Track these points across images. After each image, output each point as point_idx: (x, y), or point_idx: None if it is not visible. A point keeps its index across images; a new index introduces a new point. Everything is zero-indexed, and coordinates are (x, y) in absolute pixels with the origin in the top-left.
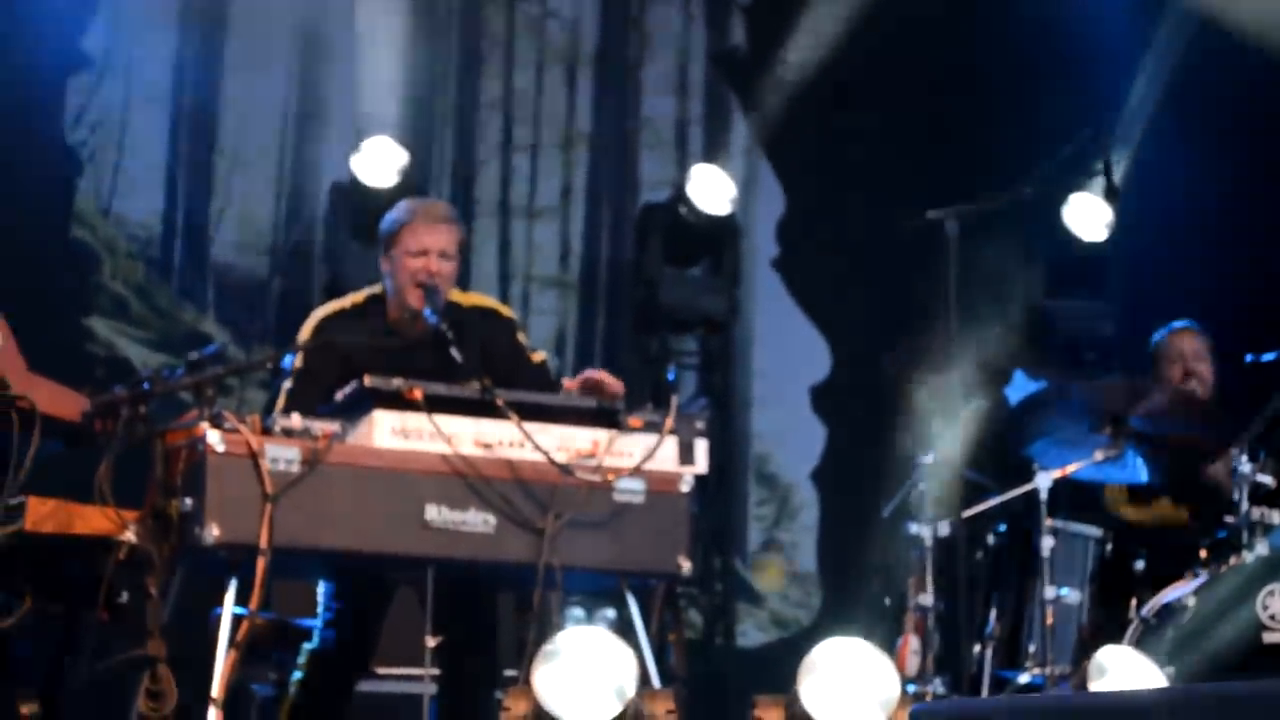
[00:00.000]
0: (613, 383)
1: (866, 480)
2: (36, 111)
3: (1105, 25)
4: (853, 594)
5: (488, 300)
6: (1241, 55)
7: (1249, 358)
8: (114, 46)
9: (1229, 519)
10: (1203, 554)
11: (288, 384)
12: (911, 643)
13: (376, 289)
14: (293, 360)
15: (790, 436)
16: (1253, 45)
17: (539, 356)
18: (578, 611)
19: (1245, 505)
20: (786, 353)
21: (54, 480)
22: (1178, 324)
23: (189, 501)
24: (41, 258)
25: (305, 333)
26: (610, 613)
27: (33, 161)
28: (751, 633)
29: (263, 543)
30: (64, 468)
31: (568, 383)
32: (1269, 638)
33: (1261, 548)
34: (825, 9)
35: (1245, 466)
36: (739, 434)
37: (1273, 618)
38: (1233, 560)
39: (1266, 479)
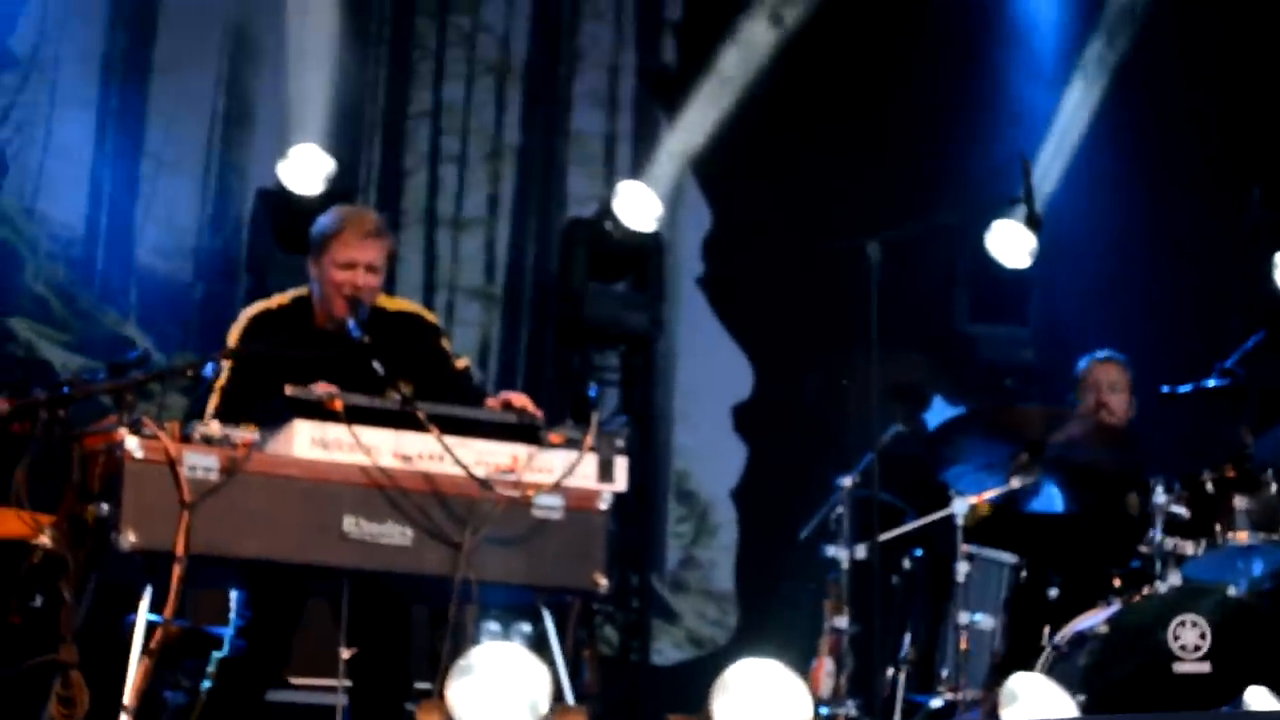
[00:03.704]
0: (532, 409)
1: (786, 501)
2: None
3: (1031, 57)
4: (769, 614)
5: (413, 306)
6: (1163, 88)
7: (1165, 389)
8: (41, 46)
9: (1143, 549)
10: (1116, 583)
11: (220, 385)
12: (826, 665)
13: (304, 290)
14: (214, 368)
15: (711, 455)
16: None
17: (462, 363)
18: (494, 626)
19: (1159, 536)
20: (709, 371)
21: None
22: (1099, 353)
23: (105, 507)
24: None
25: (236, 331)
26: (526, 628)
27: None
28: (667, 651)
29: (179, 550)
30: None
31: (489, 401)
32: (1179, 668)
33: (1174, 578)
34: (755, 31)
35: (1161, 497)
36: (660, 451)
37: (1183, 648)
38: (1145, 590)
39: (1181, 510)
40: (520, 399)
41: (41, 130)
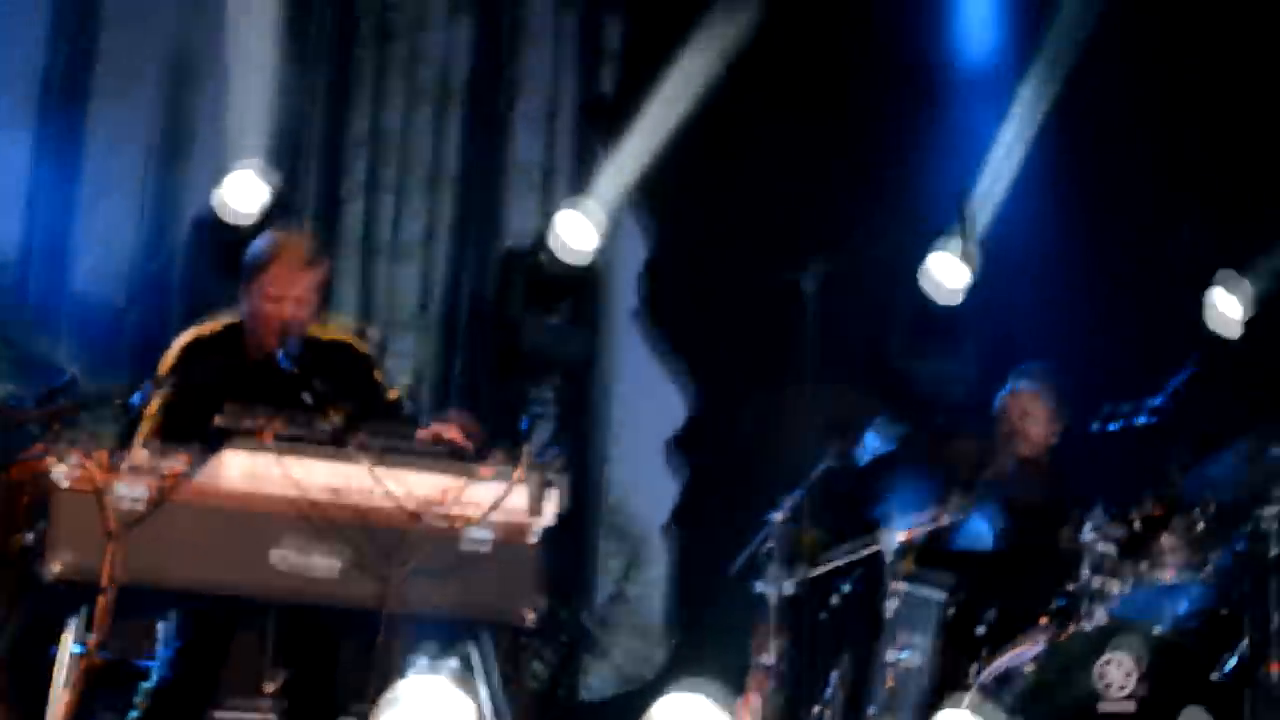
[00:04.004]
0: (462, 441)
1: (717, 535)
2: None
3: (970, 89)
4: (699, 649)
5: (346, 335)
6: (1101, 119)
7: (1094, 427)
8: None
9: (1070, 586)
10: (1043, 621)
11: (150, 413)
12: (754, 700)
13: (237, 317)
14: (143, 396)
15: (644, 488)
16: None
17: (394, 394)
18: (422, 658)
19: (1087, 573)
20: (644, 403)
21: None
22: (1015, 383)
23: (31, 536)
24: None
25: (169, 359)
26: (455, 661)
27: None
28: (596, 685)
29: (105, 580)
30: None
31: (420, 433)
32: (1105, 707)
33: (1101, 616)
34: (694, 62)
35: (1089, 534)
36: (592, 484)
37: (1109, 687)
38: (1072, 628)
39: (1108, 547)
40: (452, 431)
41: None
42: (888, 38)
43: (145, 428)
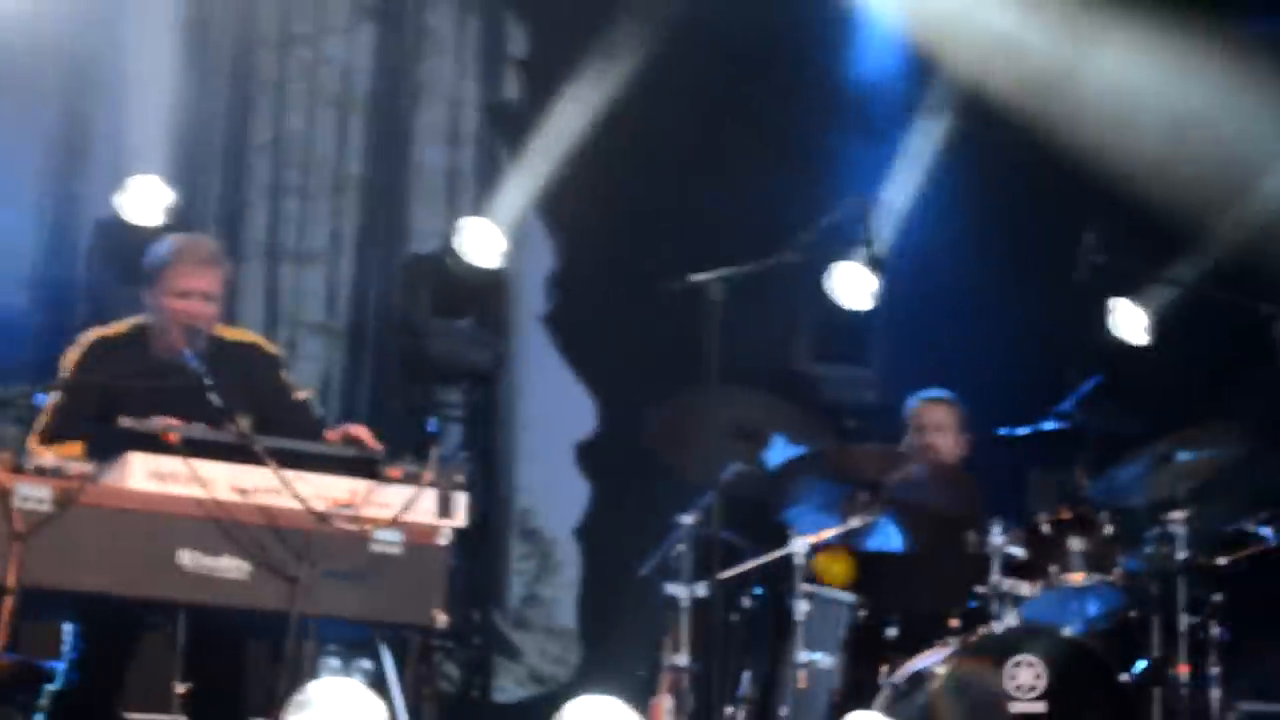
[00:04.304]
0: (372, 442)
1: (628, 538)
2: None
3: (874, 99)
4: (611, 651)
5: (252, 336)
6: (1003, 132)
7: (1002, 431)
8: None
9: (980, 589)
10: (953, 623)
11: (52, 406)
12: (665, 703)
13: (143, 319)
14: (45, 398)
15: (554, 492)
16: (1013, 121)
17: (302, 395)
18: (334, 662)
19: (996, 576)
20: (552, 408)
21: None
22: (926, 393)
23: None
24: None
25: (74, 354)
26: (366, 664)
27: None
28: (509, 688)
29: (10, 582)
30: None
31: (329, 434)
32: (1016, 708)
33: (1011, 619)
34: (598, 68)
35: (998, 538)
36: (503, 488)
37: (1019, 688)
38: (982, 630)
39: (1018, 551)
40: (360, 431)
41: None
42: (794, 47)
43: (44, 419)
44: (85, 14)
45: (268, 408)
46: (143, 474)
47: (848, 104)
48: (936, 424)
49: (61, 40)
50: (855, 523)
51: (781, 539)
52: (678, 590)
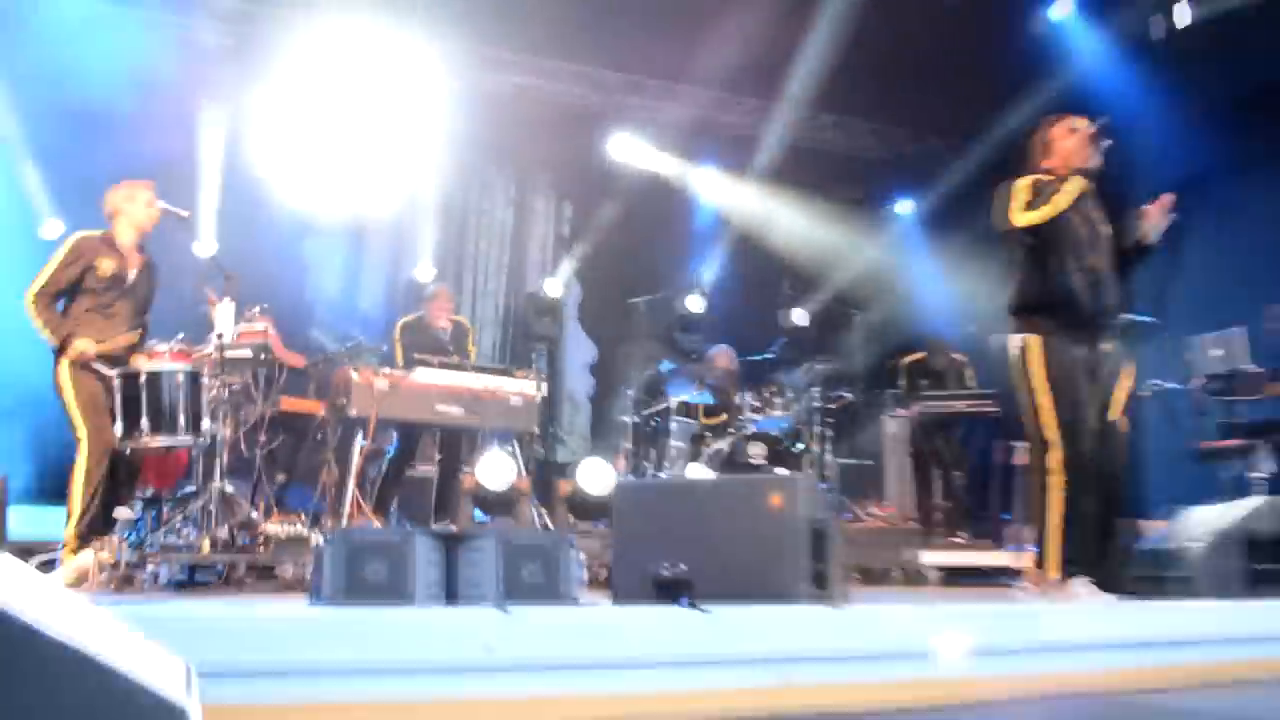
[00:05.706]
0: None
1: (610, 400)
2: None
3: (693, 199)
4: (602, 444)
5: (465, 321)
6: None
7: (745, 357)
8: None
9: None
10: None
11: (397, 352)
12: (622, 461)
13: (421, 312)
14: (389, 348)
15: (579, 386)
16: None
17: (473, 350)
18: (495, 447)
19: (747, 412)
20: (578, 353)
21: None
22: (714, 348)
23: (343, 402)
24: None
25: (398, 329)
26: (508, 446)
27: None
28: (563, 454)
29: (373, 416)
30: None
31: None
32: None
33: (748, 429)
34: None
35: (748, 399)
36: (558, 383)
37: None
38: (734, 433)
39: (757, 403)
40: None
41: None
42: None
43: (396, 354)
44: None
45: (464, 353)
46: (424, 376)
47: (682, 199)
48: (723, 364)
49: None
50: (694, 392)
51: (663, 398)
52: (626, 417)
